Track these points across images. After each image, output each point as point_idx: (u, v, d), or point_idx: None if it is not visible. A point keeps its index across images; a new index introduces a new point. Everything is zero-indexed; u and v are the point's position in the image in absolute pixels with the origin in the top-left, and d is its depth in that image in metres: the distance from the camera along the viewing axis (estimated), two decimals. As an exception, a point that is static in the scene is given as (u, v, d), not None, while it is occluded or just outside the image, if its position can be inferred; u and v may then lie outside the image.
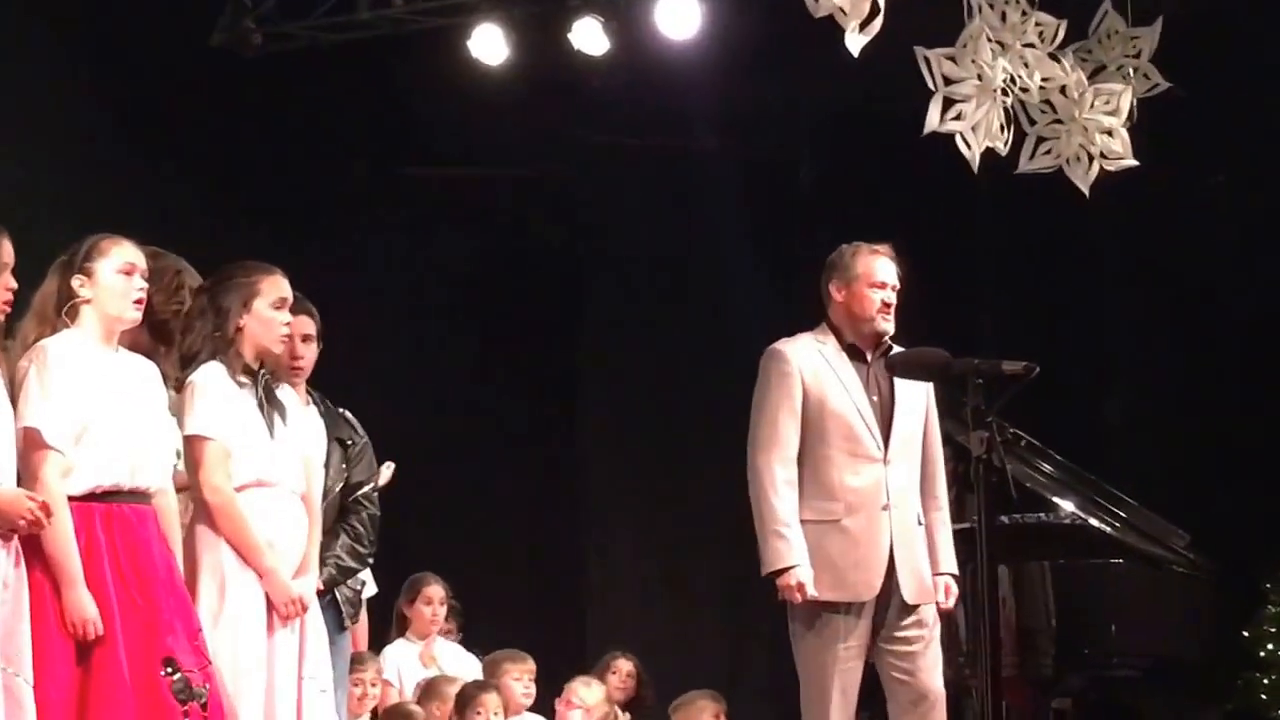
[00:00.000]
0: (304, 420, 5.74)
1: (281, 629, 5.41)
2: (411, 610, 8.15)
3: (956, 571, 6.13)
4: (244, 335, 5.51)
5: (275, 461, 5.48)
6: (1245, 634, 8.69)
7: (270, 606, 5.39)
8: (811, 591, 5.95)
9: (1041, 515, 7.80)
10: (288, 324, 5.59)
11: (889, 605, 6.05)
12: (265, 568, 5.39)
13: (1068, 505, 7.88)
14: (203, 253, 5.80)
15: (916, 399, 6.17)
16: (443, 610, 8.19)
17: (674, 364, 10.99)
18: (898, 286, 6.19)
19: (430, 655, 8.10)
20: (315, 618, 5.55)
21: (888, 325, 6.16)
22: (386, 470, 6.42)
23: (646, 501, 11.10)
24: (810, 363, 6.12)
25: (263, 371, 5.54)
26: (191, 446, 5.40)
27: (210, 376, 5.44)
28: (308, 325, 6.13)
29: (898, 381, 6.10)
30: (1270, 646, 8.68)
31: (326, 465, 5.95)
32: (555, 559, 10.95)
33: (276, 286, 5.58)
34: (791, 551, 5.97)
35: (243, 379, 5.49)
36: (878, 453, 6.08)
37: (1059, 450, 8.13)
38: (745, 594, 10.23)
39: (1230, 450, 9.59)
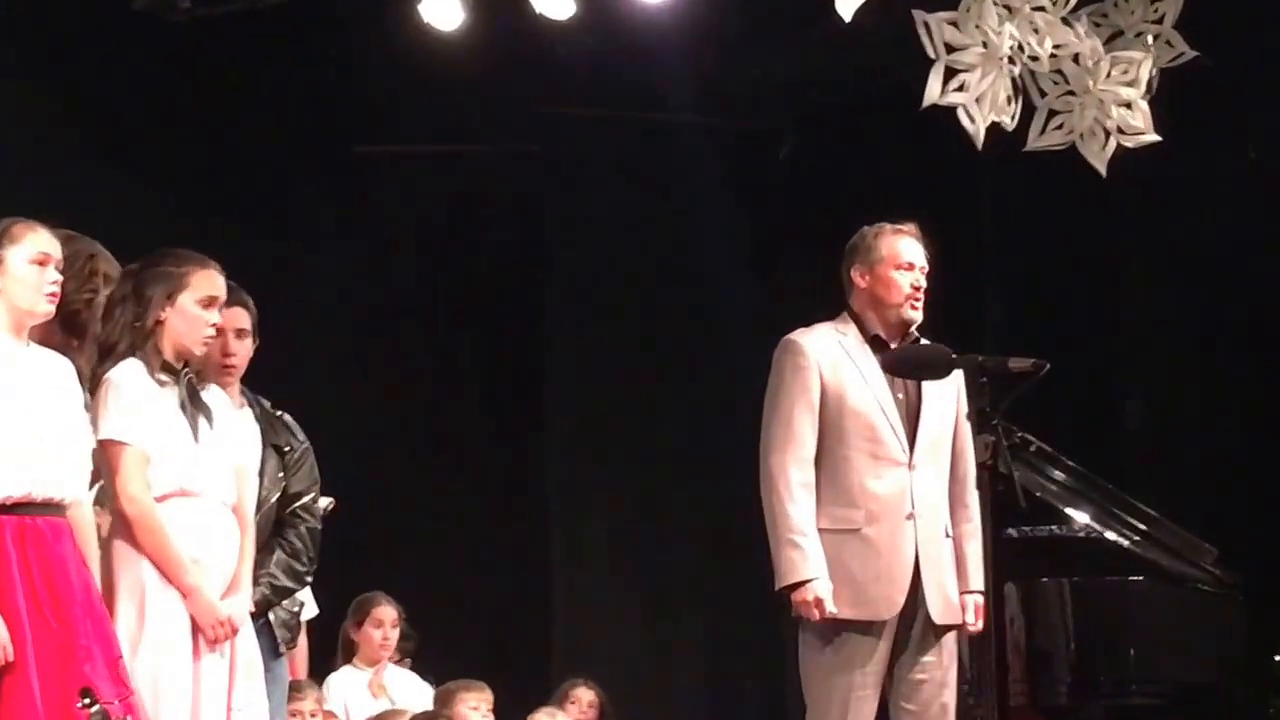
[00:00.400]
0: (235, 424, 5.72)
1: (209, 654, 5.40)
2: (359, 634, 8.13)
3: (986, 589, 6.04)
4: (164, 330, 5.50)
5: (200, 468, 5.46)
6: (1277, 658, 8.71)
7: (196, 629, 5.38)
8: (831, 608, 5.90)
9: (1053, 528, 7.80)
10: (214, 325, 5.57)
11: (912, 626, 6.00)
12: (188, 586, 5.38)
13: (1082, 517, 7.88)
14: (125, 239, 5.78)
15: (946, 398, 6.11)
16: (394, 634, 8.17)
17: (648, 356, 10.96)
18: (926, 268, 6.16)
19: (380, 684, 8.08)
20: (247, 642, 5.54)
21: (916, 314, 6.12)
22: (324, 504, 6.39)
23: (618, 511, 11.05)
24: (829, 355, 6.08)
25: (186, 369, 5.52)
26: (106, 452, 5.38)
27: (127, 374, 5.42)
28: (242, 318, 6.09)
29: None
30: (1303, 672, 8.71)
31: (261, 473, 5.93)
32: (517, 577, 10.91)
33: (208, 282, 5.57)
34: (808, 563, 5.91)
35: (163, 376, 5.47)
36: (902, 456, 6.03)
37: (1071, 456, 8.14)
38: (729, 612, 10.24)
39: (1261, 457, 9.59)
